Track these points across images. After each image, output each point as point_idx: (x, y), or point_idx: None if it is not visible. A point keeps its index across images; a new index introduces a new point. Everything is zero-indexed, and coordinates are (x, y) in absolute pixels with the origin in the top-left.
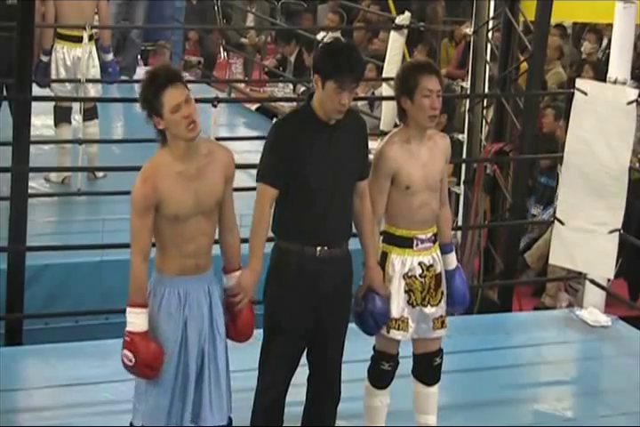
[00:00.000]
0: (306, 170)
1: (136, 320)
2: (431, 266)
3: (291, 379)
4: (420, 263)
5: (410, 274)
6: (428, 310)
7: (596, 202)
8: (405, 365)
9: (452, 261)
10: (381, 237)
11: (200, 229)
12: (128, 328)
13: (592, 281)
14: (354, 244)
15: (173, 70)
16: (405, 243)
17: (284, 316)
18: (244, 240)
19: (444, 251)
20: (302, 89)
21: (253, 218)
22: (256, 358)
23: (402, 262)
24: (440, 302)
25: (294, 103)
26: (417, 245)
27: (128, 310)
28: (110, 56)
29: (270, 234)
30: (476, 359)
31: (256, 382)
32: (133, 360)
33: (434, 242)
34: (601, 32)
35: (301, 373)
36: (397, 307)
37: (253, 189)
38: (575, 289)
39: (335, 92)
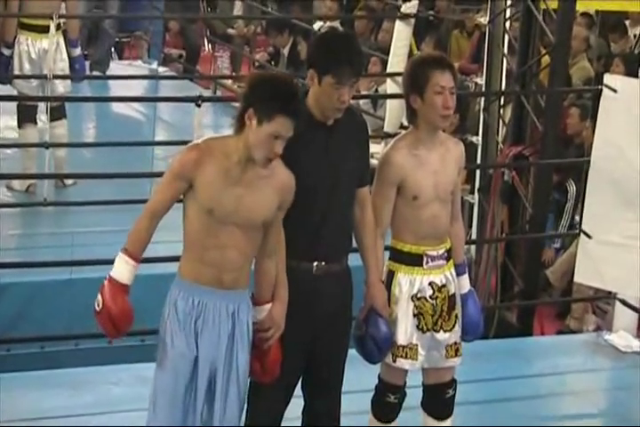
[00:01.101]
0: (300, 175)
1: (122, 269)
2: (443, 286)
3: (284, 411)
4: (430, 283)
5: (419, 295)
6: (441, 335)
7: (628, 212)
8: (414, 395)
9: (465, 284)
10: (387, 254)
11: (231, 241)
12: (111, 273)
13: (623, 301)
14: (355, 260)
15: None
16: (414, 260)
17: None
18: None
19: (456, 273)
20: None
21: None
22: None
23: (410, 282)
24: (454, 326)
25: None
26: (427, 262)
27: (120, 255)
28: (78, 51)
29: None
30: (492, 389)
31: (245, 415)
32: (100, 307)
33: (447, 259)
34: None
35: (296, 404)
36: (405, 332)
37: None
38: (604, 310)
39: (333, 88)
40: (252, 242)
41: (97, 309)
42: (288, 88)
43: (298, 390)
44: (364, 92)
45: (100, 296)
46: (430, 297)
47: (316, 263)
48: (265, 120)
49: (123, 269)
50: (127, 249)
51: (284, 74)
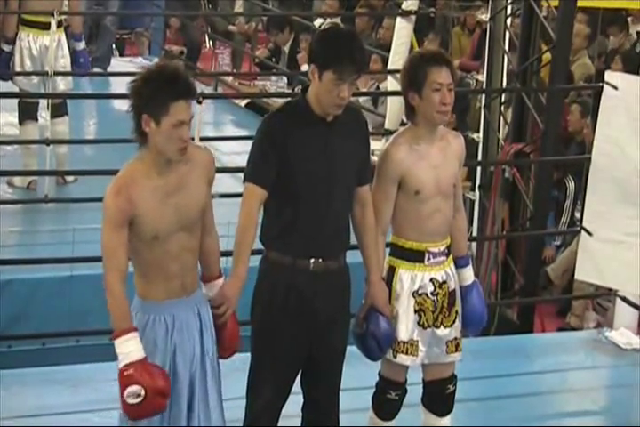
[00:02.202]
0: (299, 171)
1: (130, 349)
2: (444, 282)
3: (281, 408)
4: (431, 280)
5: (420, 292)
6: (441, 331)
7: (628, 209)
8: (414, 392)
9: (469, 275)
10: (388, 250)
11: (183, 246)
12: (124, 361)
13: (624, 299)
14: (356, 257)
15: (193, 84)
16: (416, 256)
17: (273, 338)
18: (229, 253)
19: (460, 265)
20: (298, 85)
21: (239, 221)
22: (244, 386)
23: (411, 278)
24: (454, 322)
25: (289, 99)
26: (429, 259)
27: (118, 341)
28: (82, 45)
29: (260, 246)
30: (492, 387)
31: (244, 413)
32: (143, 394)
33: (447, 255)
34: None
35: (295, 401)
36: (406, 329)
37: (241, 194)
38: (604, 308)
39: (333, 84)
40: (198, 236)
41: (136, 400)
42: (169, 73)
43: (297, 387)
44: (363, 90)
45: (133, 388)
46: (431, 293)
47: (313, 260)
48: (162, 115)
49: (131, 349)
50: (122, 329)
51: (163, 62)
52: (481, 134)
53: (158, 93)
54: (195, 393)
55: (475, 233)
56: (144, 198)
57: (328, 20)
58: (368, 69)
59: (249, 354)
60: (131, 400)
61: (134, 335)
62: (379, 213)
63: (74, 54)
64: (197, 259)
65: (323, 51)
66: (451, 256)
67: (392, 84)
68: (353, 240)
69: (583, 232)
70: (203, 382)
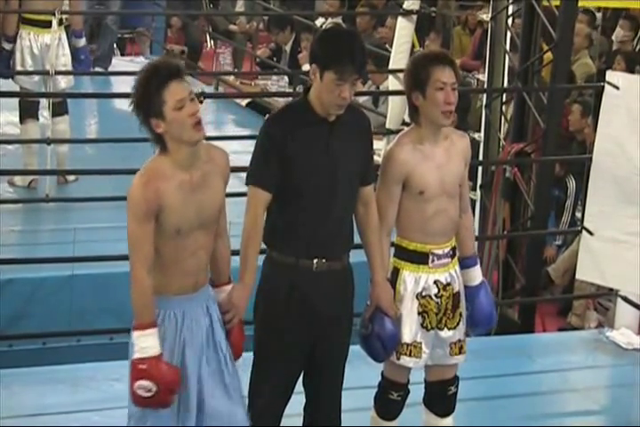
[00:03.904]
0: (301, 171)
1: (148, 344)
2: (448, 284)
3: (284, 408)
4: (435, 282)
5: (424, 294)
6: (445, 333)
7: (629, 209)
8: (416, 392)
9: (477, 275)
10: (392, 251)
11: (200, 243)
12: (139, 355)
13: (625, 298)
14: (361, 256)
15: (176, 64)
16: (420, 258)
17: (276, 339)
18: (235, 252)
19: (468, 265)
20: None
21: (245, 226)
22: (247, 385)
23: (415, 280)
24: (458, 324)
25: (290, 98)
26: (433, 261)
27: (136, 334)
28: (83, 41)
29: (262, 246)
30: (493, 386)
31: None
32: (155, 389)
33: (452, 257)
34: (637, 19)
35: (297, 401)
36: (410, 330)
37: (243, 194)
38: (606, 307)
39: (334, 84)
40: (212, 235)
41: (148, 395)
42: (147, 72)
43: (299, 387)
44: (363, 90)
45: (145, 382)
46: (435, 295)
47: (316, 260)
48: (162, 107)
49: (148, 344)
50: (142, 323)
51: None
52: (482, 134)
53: (148, 91)
54: (204, 389)
55: (476, 233)
56: (170, 192)
57: (329, 20)
58: (370, 70)
59: (251, 353)
60: (140, 393)
61: (154, 331)
62: (383, 214)
63: (75, 51)
64: (209, 257)
65: (323, 51)
66: (456, 258)
67: (393, 83)
68: (358, 240)
69: (584, 232)
70: (213, 377)
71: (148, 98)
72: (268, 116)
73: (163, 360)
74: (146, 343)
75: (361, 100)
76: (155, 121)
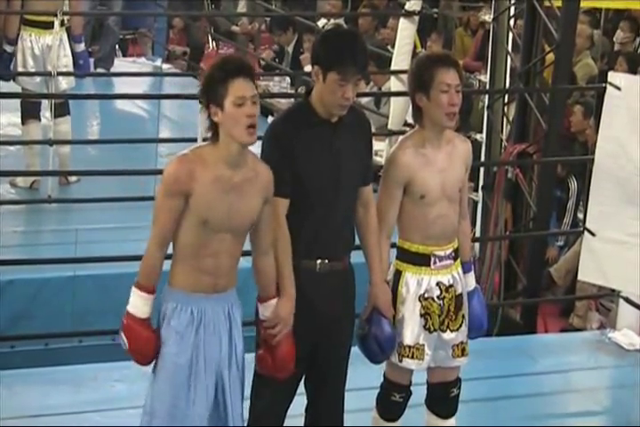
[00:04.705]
0: (305, 172)
1: (138, 304)
2: (451, 286)
3: (287, 410)
4: (438, 283)
5: (426, 296)
6: (447, 335)
7: (631, 210)
8: (418, 393)
9: (471, 281)
10: (394, 254)
11: (224, 247)
12: (129, 308)
13: (626, 299)
14: (361, 257)
15: (249, 64)
16: (422, 260)
17: None
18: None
19: (463, 270)
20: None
21: (278, 240)
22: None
23: (417, 282)
24: (461, 326)
25: (292, 100)
26: (435, 262)
27: (133, 289)
28: (82, 46)
29: None
30: (495, 387)
31: (248, 414)
32: (126, 345)
33: (454, 259)
34: (637, 20)
35: (299, 401)
36: (412, 333)
37: None
38: (607, 308)
39: (337, 85)
40: (240, 244)
41: (124, 347)
42: (222, 62)
43: (301, 387)
44: (365, 91)
45: (122, 335)
46: (438, 297)
47: (319, 261)
48: (224, 99)
49: (139, 304)
50: (140, 283)
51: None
52: (484, 135)
53: (215, 80)
54: (219, 393)
55: (478, 234)
56: (205, 180)
57: (331, 21)
58: (371, 71)
59: (254, 355)
60: (121, 343)
61: (150, 298)
62: (384, 217)
63: (74, 56)
64: (236, 264)
65: (326, 52)
66: (458, 260)
67: (395, 84)
68: (357, 240)
69: (586, 233)
70: (228, 381)
71: (214, 85)
72: (271, 121)
73: (143, 325)
74: (137, 302)
75: (363, 101)
76: (214, 108)
